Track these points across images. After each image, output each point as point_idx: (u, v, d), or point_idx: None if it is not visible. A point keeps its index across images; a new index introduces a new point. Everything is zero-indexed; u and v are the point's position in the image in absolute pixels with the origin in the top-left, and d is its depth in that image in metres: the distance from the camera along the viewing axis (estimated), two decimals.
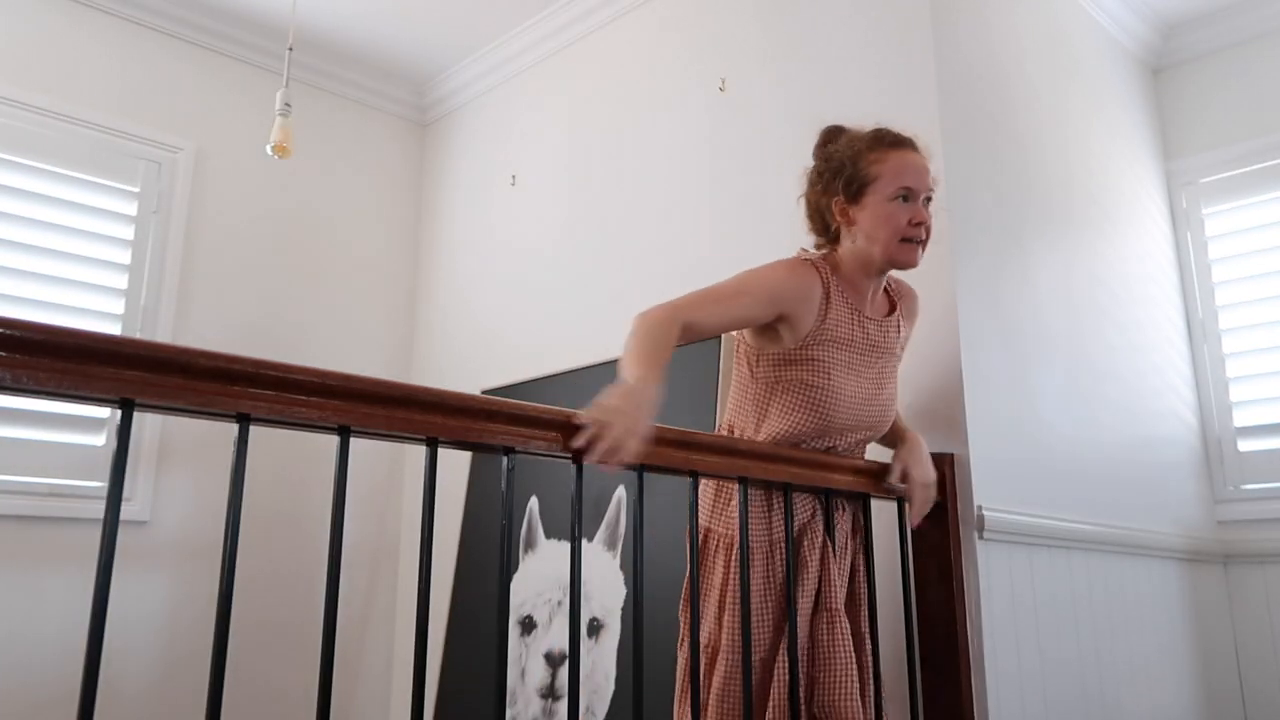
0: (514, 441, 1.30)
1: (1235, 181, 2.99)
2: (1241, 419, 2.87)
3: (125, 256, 2.98)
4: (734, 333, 1.84)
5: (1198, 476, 2.84)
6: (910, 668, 1.84)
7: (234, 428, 1.11)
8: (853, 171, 1.73)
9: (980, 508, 1.95)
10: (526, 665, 2.61)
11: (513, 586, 2.70)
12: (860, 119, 2.28)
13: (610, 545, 2.50)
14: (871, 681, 1.73)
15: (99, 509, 2.82)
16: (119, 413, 1.02)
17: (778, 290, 1.70)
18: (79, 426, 2.81)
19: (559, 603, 2.57)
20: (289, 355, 3.27)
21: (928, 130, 2.15)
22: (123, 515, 2.90)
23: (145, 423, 2.92)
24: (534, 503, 2.78)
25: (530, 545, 2.75)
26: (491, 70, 3.49)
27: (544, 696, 2.51)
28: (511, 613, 2.68)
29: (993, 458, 2.04)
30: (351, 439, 1.17)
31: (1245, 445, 2.85)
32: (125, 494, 2.88)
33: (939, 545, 1.92)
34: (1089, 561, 2.28)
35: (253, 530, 3.09)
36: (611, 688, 2.37)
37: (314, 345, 3.36)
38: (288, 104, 2.45)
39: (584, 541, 2.56)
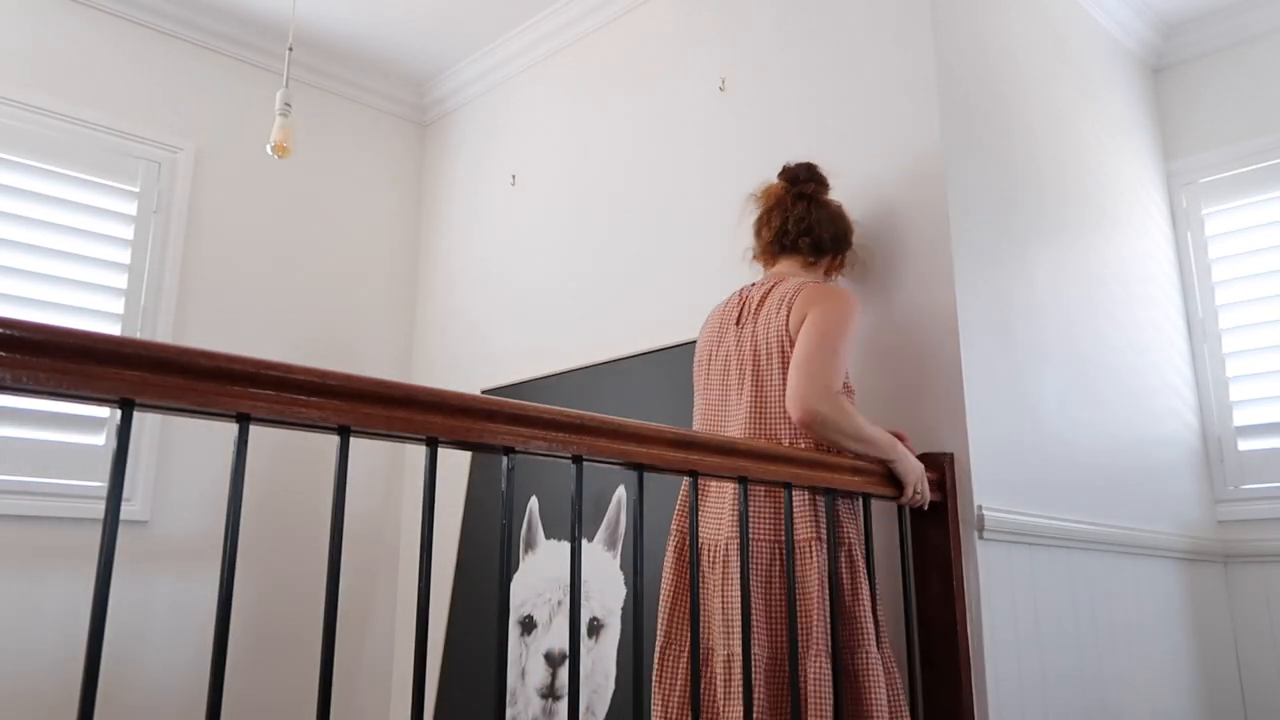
0: (514, 441, 1.30)
1: (1235, 181, 2.99)
2: (1241, 418, 2.87)
3: (125, 256, 2.98)
4: (778, 344, 1.90)
5: (1198, 476, 2.84)
6: (910, 668, 1.84)
7: (234, 427, 1.11)
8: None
9: (980, 508, 1.95)
10: (526, 665, 2.62)
11: (513, 586, 2.71)
12: (861, 119, 2.29)
13: (610, 545, 2.51)
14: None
15: (99, 509, 2.84)
16: (119, 413, 1.02)
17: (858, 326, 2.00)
18: (79, 426, 2.81)
19: (559, 602, 2.58)
20: (289, 355, 3.29)
21: (928, 130, 2.15)
22: (123, 515, 2.92)
23: (145, 423, 2.92)
24: (534, 503, 2.79)
25: (530, 545, 2.76)
26: (491, 70, 3.49)
27: (544, 696, 2.52)
28: (511, 612, 2.69)
29: (993, 458, 2.04)
30: (351, 439, 1.17)
31: (1245, 445, 2.85)
32: (125, 494, 2.89)
33: (939, 545, 1.93)
34: (1089, 561, 2.28)
35: (253, 529, 3.10)
36: (611, 687, 2.38)
37: (314, 345, 3.36)
38: (288, 104, 2.44)
39: (584, 542, 2.56)
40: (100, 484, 2.81)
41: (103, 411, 2.82)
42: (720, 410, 1.95)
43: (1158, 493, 2.63)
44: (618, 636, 2.40)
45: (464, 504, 3.09)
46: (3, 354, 0.92)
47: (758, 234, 2.10)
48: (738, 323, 1.99)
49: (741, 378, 1.93)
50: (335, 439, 1.17)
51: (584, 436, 1.38)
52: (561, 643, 2.53)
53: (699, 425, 1.99)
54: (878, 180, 2.22)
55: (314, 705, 3.12)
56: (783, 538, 1.77)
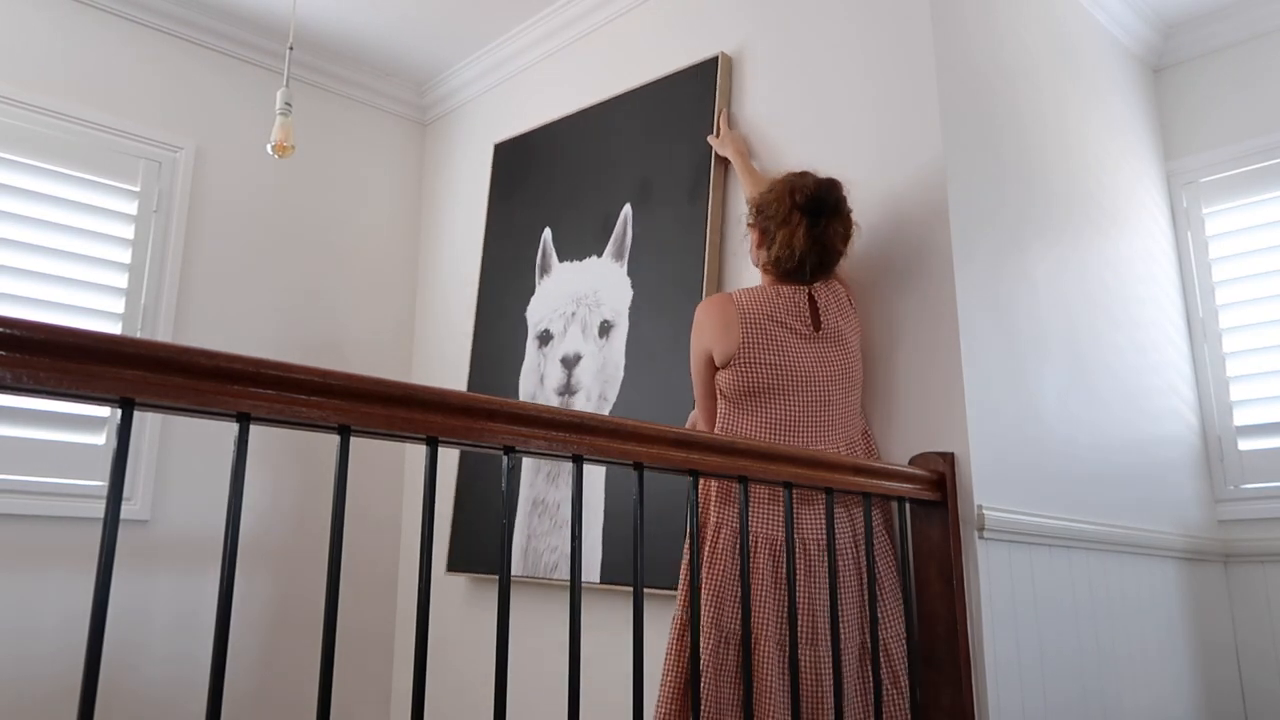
0: (514, 441, 1.30)
1: (1235, 181, 2.99)
2: (1242, 418, 2.87)
3: (125, 256, 2.98)
4: (858, 339, 2.09)
5: (1198, 476, 2.84)
6: (911, 667, 1.84)
7: (234, 427, 1.11)
8: None
9: (980, 507, 1.95)
10: (545, 371, 2.93)
11: (530, 307, 3.05)
12: (861, 119, 2.29)
13: (618, 257, 2.79)
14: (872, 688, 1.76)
15: (99, 508, 2.83)
16: (119, 412, 1.02)
17: None
18: (79, 426, 2.81)
19: (572, 314, 2.90)
20: (289, 354, 3.28)
21: (928, 129, 2.15)
22: (123, 515, 2.92)
23: (145, 422, 2.92)
24: (547, 233, 3.04)
25: (545, 271, 3.04)
26: (492, 70, 3.49)
27: (560, 394, 2.86)
28: (531, 329, 3.03)
29: (993, 457, 2.04)
30: (351, 438, 1.17)
31: (1245, 444, 2.85)
32: (125, 493, 2.88)
33: (939, 545, 1.93)
34: (1089, 561, 2.28)
35: (253, 528, 3.10)
36: (621, 375, 2.69)
37: (314, 344, 3.36)
38: (288, 103, 2.44)
39: (594, 257, 2.88)
40: (100, 483, 2.81)
41: (103, 411, 2.82)
42: (813, 426, 1.95)
43: (1158, 492, 2.63)
44: (626, 332, 2.71)
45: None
46: (3, 354, 0.92)
47: (777, 252, 2.00)
48: (818, 330, 1.99)
49: (831, 392, 1.98)
50: (335, 438, 1.17)
51: (584, 436, 1.38)
52: (574, 346, 2.85)
53: (792, 442, 1.94)
54: (878, 180, 2.22)
55: (314, 704, 3.11)
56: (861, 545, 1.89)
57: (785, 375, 1.95)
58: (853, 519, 1.93)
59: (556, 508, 2.77)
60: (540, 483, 2.83)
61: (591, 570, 2.57)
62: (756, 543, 1.87)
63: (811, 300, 2.01)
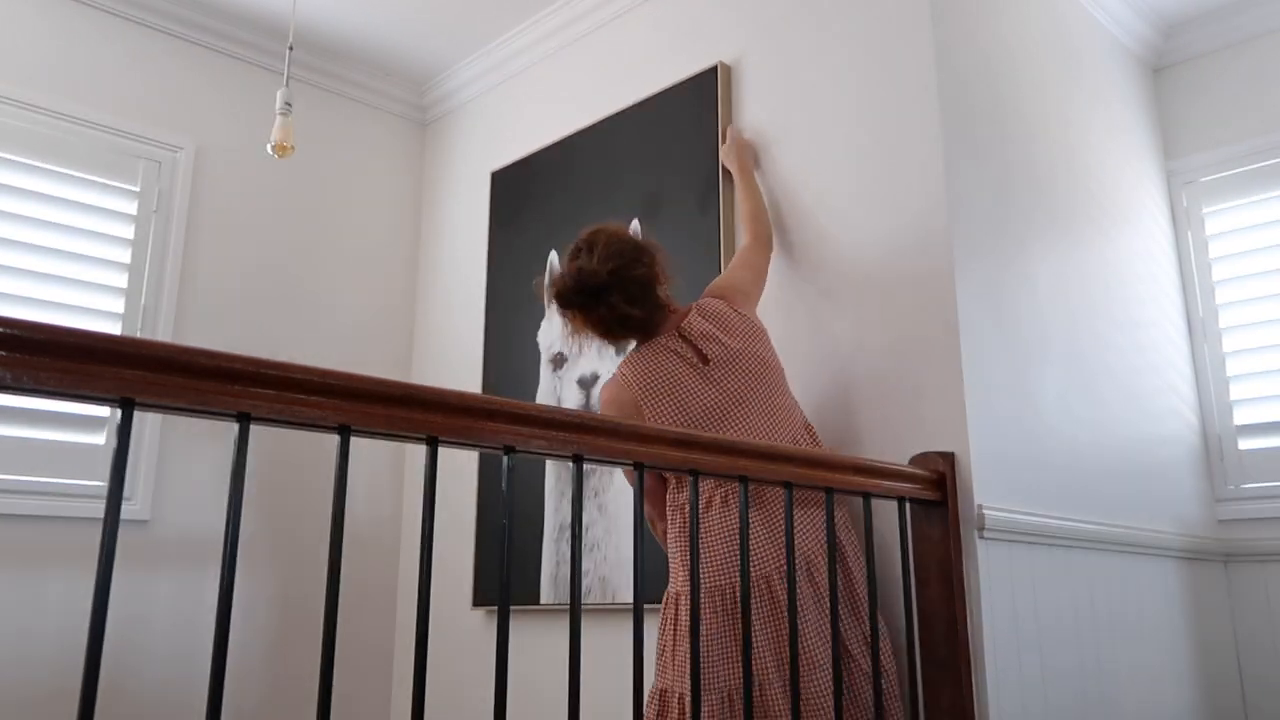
0: (514, 441, 1.30)
1: (1235, 180, 2.98)
2: (1242, 417, 2.87)
3: (125, 256, 2.98)
4: (758, 340, 2.05)
5: (1198, 475, 2.84)
6: (910, 667, 1.84)
7: (234, 426, 1.11)
8: None
9: (980, 506, 1.95)
10: (561, 394, 2.90)
11: (541, 331, 3.02)
12: (861, 119, 2.29)
13: None
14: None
15: (99, 509, 2.82)
16: (119, 412, 1.02)
17: None
18: (79, 426, 2.81)
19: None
20: (289, 354, 3.27)
21: (927, 129, 2.15)
22: (123, 515, 2.90)
23: (145, 422, 2.92)
24: (553, 255, 2.99)
25: None
26: (492, 70, 3.48)
27: None
28: (543, 353, 2.99)
29: (993, 457, 2.04)
30: (352, 438, 1.17)
31: (1246, 444, 2.85)
32: (125, 494, 2.88)
33: (939, 545, 1.93)
34: (1089, 560, 2.28)
35: (255, 529, 3.09)
36: None
37: (314, 344, 3.36)
38: (288, 103, 2.44)
39: None
40: (100, 483, 2.80)
41: (103, 411, 2.82)
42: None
43: (1158, 492, 2.63)
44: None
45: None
46: (3, 354, 0.92)
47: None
48: (706, 364, 1.95)
49: (741, 409, 1.93)
50: (336, 438, 1.17)
51: (584, 436, 1.38)
52: (590, 366, 2.80)
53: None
54: (877, 180, 2.22)
55: (314, 704, 3.11)
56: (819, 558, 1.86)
57: (690, 410, 1.91)
58: (810, 527, 1.88)
59: (585, 530, 2.74)
60: (566, 507, 2.78)
61: (625, 589, 2.52)
62: (718, 595, 1.80)
63: (685, 339, 1.97)
